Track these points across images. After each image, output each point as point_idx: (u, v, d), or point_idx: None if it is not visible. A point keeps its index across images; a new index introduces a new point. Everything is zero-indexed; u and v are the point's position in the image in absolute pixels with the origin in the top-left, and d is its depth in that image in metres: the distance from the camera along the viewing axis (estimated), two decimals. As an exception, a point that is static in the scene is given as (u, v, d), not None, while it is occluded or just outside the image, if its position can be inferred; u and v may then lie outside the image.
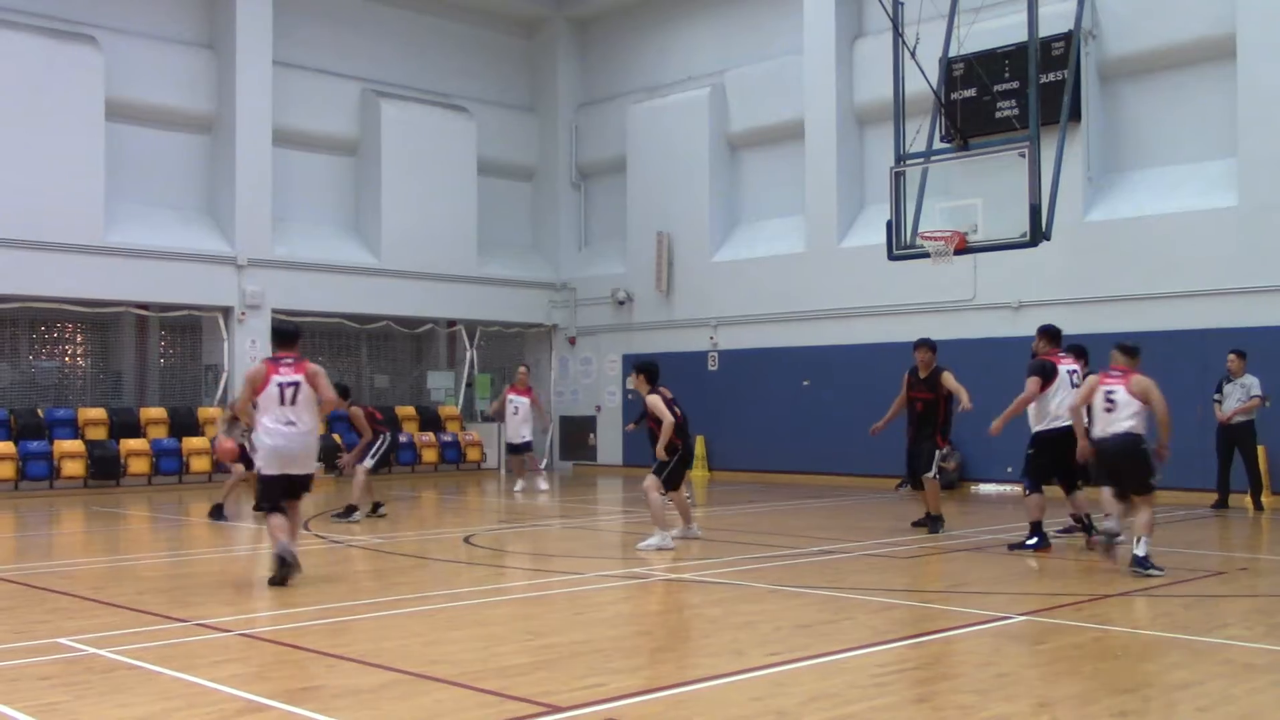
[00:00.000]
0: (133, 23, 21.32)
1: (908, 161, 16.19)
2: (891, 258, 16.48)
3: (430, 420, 24.55)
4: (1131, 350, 10.02)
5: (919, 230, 15.92)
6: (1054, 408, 11.27)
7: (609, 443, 24.46)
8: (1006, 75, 18.15)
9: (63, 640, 7.14)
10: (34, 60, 19.52)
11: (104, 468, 19.68)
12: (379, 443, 15.15)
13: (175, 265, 20.88)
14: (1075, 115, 17.87)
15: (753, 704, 5.66)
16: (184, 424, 21.00)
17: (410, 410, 24.35)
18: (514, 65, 26.69)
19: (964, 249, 15.44)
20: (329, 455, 22.24)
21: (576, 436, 25.67)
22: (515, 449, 19.39)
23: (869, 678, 6.19)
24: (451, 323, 25.20)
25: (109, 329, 22.20)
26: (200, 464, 20.41)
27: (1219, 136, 17.45)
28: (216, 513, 14.71)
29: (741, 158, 23.62)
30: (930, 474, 12.74)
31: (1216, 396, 15.26)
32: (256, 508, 9.56)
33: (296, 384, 9.38)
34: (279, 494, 9.47)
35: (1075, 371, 11.52)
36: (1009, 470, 17.47)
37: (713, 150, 23.38)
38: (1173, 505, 13.14)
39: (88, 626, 7.62)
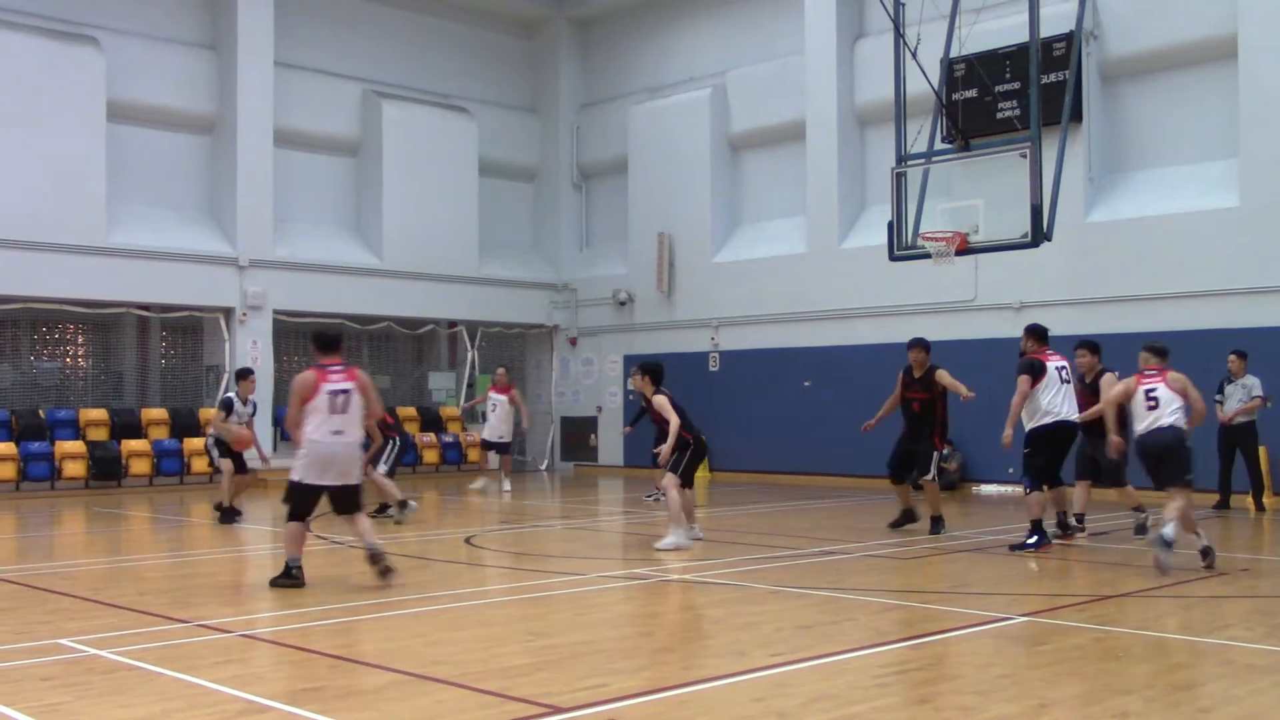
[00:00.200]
0: (134, 23, 21.33)
1: (909, 162, 16.19)
2: (893, 258, 16.47)
3: (431, 421, 24.56)
4: (1162, 350, 10.38)
5: (920, 231, 15.92)
6: (1044, 404, 11.39)
7: (610, 443, 24.45)
8: (1008, 76, 18.15)
9: (64, 641, 7.14)
10: (35, 61, 19.53)
11: (105, 468, 19.69)
12: (389, 447, 15.16)
13: (176, 266, 20.89)
14: (1076, 116, 17.87)
15: (754, 704, 5.65)
16: (185, 425, 21.01)
17: (411, 411, 24.35)
18: (515, 66, 26.70)
19: (965, 249, 15.44)
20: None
21: (578, 437, 25.67)
22: (492, 446, 19.51)
23: (871, 678, 6.18)
24: (453, 323, 25.20)
25: (110, 330, 22.21)
26: (201, 464, 20.38)
27: (1220, 137, 17.45)
28: (228, 516, 14.63)
29: (743, 158, 23.62)
30: (929, 476, 12.72)
31: (1218, 397, 15.24)
32: (289, 517, 9.22)
33: (347, 391, 9.07)
34: (310, 506, 9.22)
35: (1064, 368, 11.65)
36: (1010, 471, 17.46)
37: (714, 151, 23.38)
38: (1160, 505, 13.11)
39: (89, 627, 7.62)
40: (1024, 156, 14.84)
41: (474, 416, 23.95)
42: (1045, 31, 16.14)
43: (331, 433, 8.98)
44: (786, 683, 6.12)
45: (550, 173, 26.64)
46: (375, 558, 9.01)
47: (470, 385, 25.58)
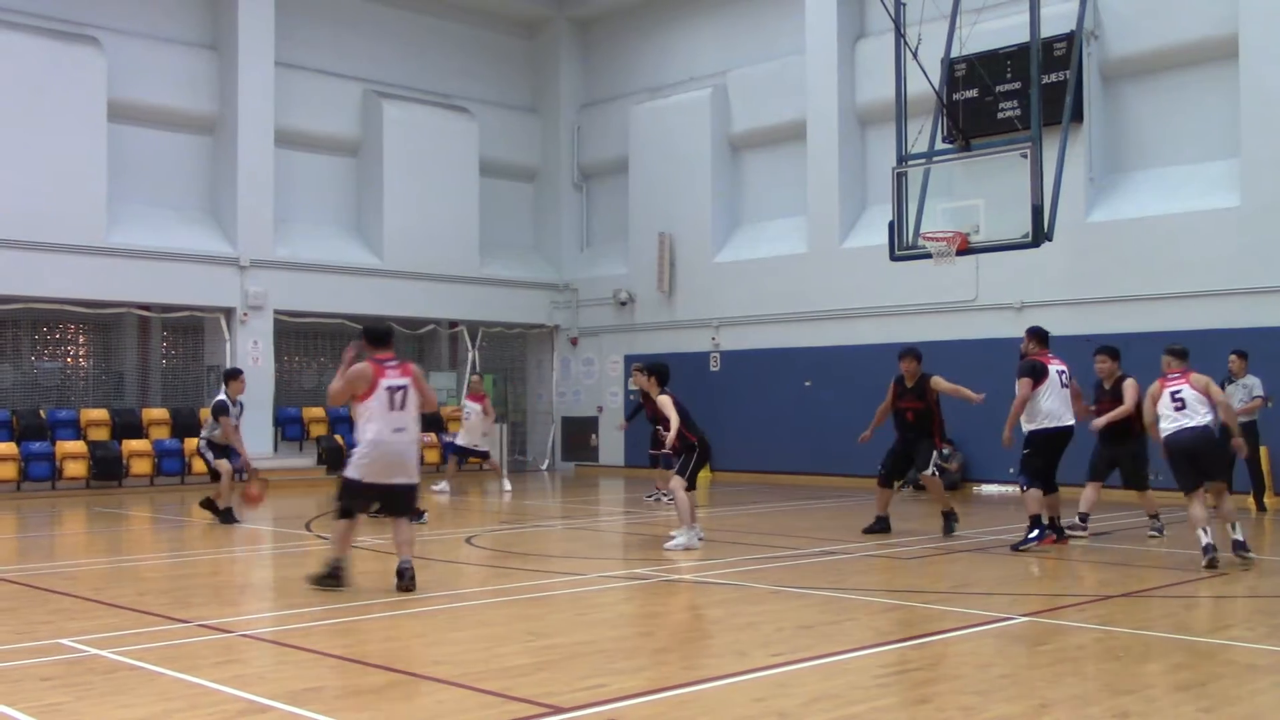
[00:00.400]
0: (135, 24, 21.33)
1: (910, 162, 16.19)
2: (893, 258, 16.48)
3: (432, 421, 24.54)
4: (1183, 353, 10.68)
5: (921, 231, 15.92)
6: (1045, 407, 11.44)
7: (611, 444, 24.45)
8: (1008, 76, 18.15)
9: (65, 641, 7.14)
10: (36, 61, 19.54)
11: (106, 468, 19.69)
12: None
13: (177, 266, 20.89)
14: (1077, 116, 17.87)
15: (755, 705, 5.65)
16: (186, 425, 21.00)
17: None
18: (516, 66, 26.70)
19: (966, 249, 15.44)
20: (333, 457, 22.30)
21: (578, 437, 25.67)
22: (462, 453, 19.27)
23: (871, 679, 6.19)
24: (453, 323, 25.21)
25: (111, 330, 22.21)
26: (202, 464, 20.34)
27: (1221, 137, 17.45)
28: (228, 517, 14.59)
29: (743, 158, 23.62)
30: (929, 472, 12.66)
31: (1219, 397, 15.23)
32: (339, 515, 8.95)
33: (404, 387, 8.81)
34: (365, 504, 8.95)
35: (1064, 372, 11.72)
36: (1011, 471, 17.44)
37: (715, 151, 23.39)
38: (1175, 506, 13.12)
39: (90, 627, 7.62)
40: (1025, 156, 14.85)
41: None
42: (1046, 31, 16.14)
43: (394, 430, 8.71)
44: (787, 683, 6.12)
45: (551, 173, 26.65)
46: (402, 574, 8.78)
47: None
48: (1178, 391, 10.34)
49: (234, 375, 15.11)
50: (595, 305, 25.42)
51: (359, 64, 23.98)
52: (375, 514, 14.47)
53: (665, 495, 17.41)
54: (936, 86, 16.66)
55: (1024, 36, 15.77)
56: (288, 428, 22.59)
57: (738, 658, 6.78)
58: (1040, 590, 9.51)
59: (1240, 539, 10.17)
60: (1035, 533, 11.35)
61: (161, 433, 20.82)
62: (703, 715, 5.57)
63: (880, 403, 13.40)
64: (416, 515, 14.23)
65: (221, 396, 14.71)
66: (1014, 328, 18.32)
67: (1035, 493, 11.45)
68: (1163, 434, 10.44)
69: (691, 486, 11.75)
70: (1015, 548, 11.46)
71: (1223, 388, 15.21)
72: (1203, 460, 10.26)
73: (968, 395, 12.53)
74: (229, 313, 21.65)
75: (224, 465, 14.65)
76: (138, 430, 20.67)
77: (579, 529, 14.57)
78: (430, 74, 24.98)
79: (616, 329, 24.98)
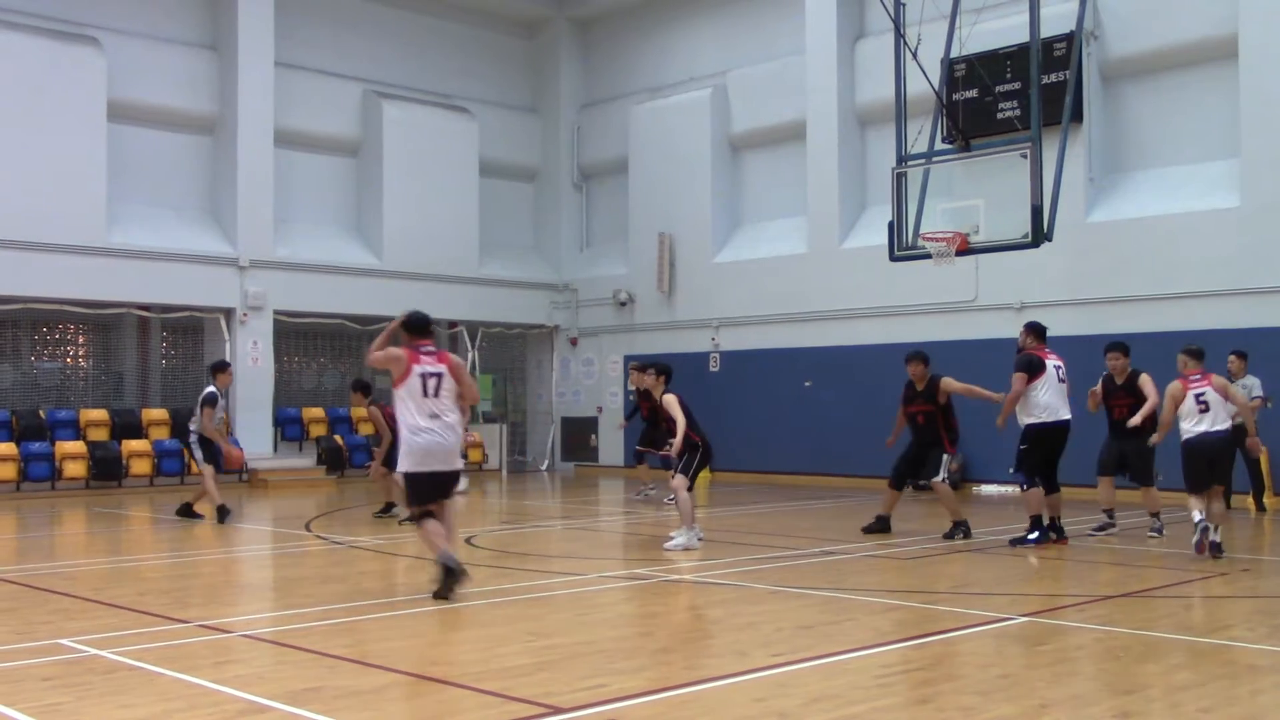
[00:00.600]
0: (135, 24, 21.33)
1: (909, 162, 16.18)
2: (893, 259, 16.46)
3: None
4: (1200, 353, 10.98)
5: (921, 231, 15.90)
6: (1043, 401, 11.53)
7: (610, 444, 24.45)
8: (1008, 76, 18.15)
9: (64, 641, 7.14)
10: (36, 61, 19.54)
11: (106, 469, 19.69)
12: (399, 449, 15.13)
13: (177, 266, 20.89)
14: (1077, 116, 17.87)
15: (755, 705, 5.66)
16: (186, 425, 20.91)
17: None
18: (516, 66, 26.70)
19: (966, 250, 15.42)
20: (332, 457, 22.31)
21: (578, 438, 25.67)
22: None
23: (871, 679, 6.18)
24: (453, 324, 25.19)
25: (111, 330, 22.21)
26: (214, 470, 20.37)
27: (1221, 137, 17.45)
28: (222, 513, 14.58)
29: (743, 158, 23.62)
30: (939, 478, 12.58)
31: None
32: (409, 518, 8.72)
33: (439, 375, 8.70)
34: (430, 494, 8.74)
35: (1060, 367, 11.82)
36: (1010, 471, 17.43)
37: (714, 151, 23.39)
38: (1175, 506, 13.14)
39: (89, 627, 7.62)
40: (1024, 157, 14.83)
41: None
42: (1046, 32, 16.13)
43: (429, 417, 8.60)
44: (787, 683, 6.12)
45: (551, 173, 26.64)
46: (449, 572, 8.49)
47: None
48: (1202, 394, 10.60)
49: (223, 367, 15.17)
50: (595, 305, 25.42)
51: (359, 64, 23.97)
52: (379, 514, 14.69)
53: (651, 489, 17.46)
54: (936, 87, 16.64)
55: (1024, 36, 15.76)
56: (287, 428, 22.59)
57: (738, 658, 6.78)
58: (1040, 590, 9.51)
59: (1218, 540, 10.53)
60: (1035, 534, 11.40)
61: (161, 433, 20.82)
62: (703, 715, 5.57)
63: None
64: (386, 507, 14.37)
65: (211, 388, 14.71)
66: (1014, 328, 18.27)
67: (1036, 492, 11.49)
68: (1184, 435, 10.65)
69: (690, 487, 11.74)
70: (1013, 543, 11.50)
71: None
72: (1219, 465, 10.63)
73: (983, 394, 12.47)
74: (229, 313, 21.65)
75: (208, 469, 14.63)
76: (137, 430, 20.67)
77: (579, 529, 14.57)
78: (430, 74, 24.97)
79: (616, 329, 24.97)
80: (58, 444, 19.63)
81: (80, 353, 22.27)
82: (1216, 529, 10.59)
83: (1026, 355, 11.71)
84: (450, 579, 8.49)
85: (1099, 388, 12.57)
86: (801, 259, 21.79)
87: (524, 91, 26.84)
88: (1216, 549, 10.49)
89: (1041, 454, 11.62)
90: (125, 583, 10.18)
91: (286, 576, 10.91)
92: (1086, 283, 18.14)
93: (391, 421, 14.98)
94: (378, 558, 11.63)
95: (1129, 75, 18.46)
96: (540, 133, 26.76)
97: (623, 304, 24.70)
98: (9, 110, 19.21)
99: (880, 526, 12.89)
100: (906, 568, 10.61)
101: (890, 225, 16.26)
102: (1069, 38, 17.40)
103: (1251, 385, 14.96)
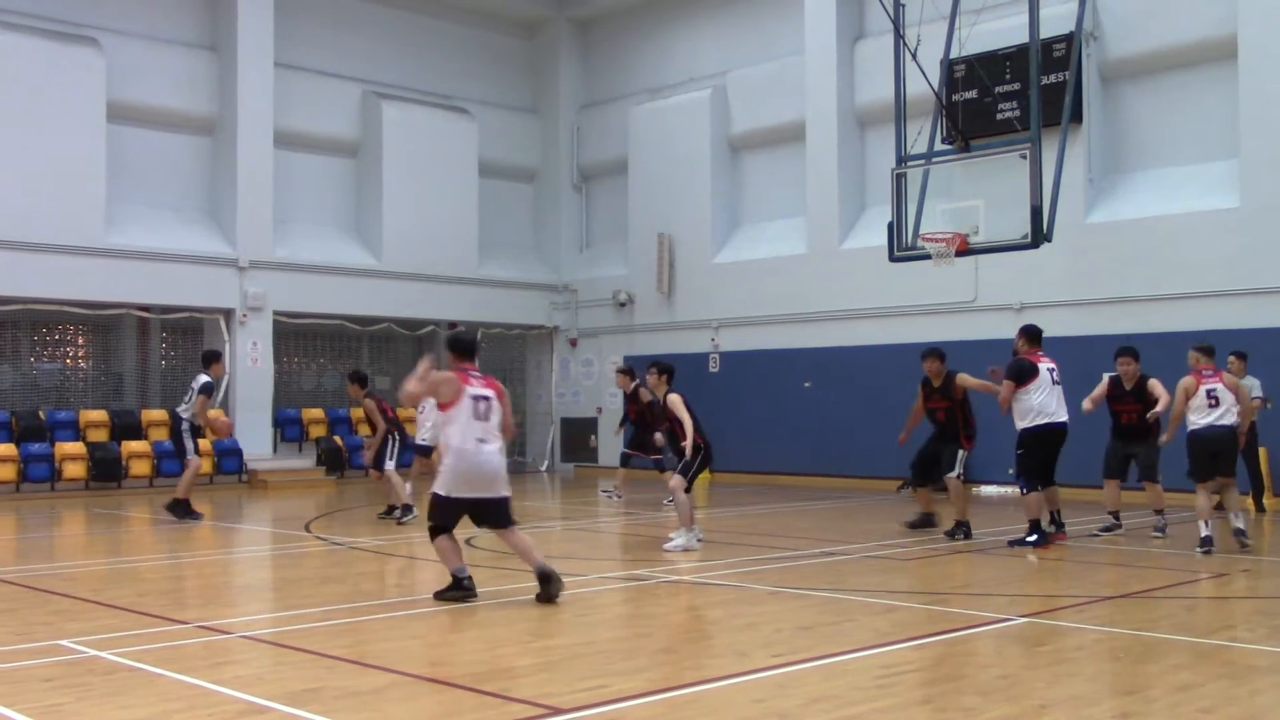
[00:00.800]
0: (134, 25, 21.33)
1: (909, 163, 16.19)
2: (893, 259, 16.47)
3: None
4: (1212, 350, 11.46)
5: (920, 232, 15.92)
6: (1037, 404, 11.60)
7: (610, 445, 24.43)
8: (1008, 77, 18.15)
9: (64, 642, 7.13)
10: (36, 62, 19.54)
11: (105, 470, 19.68)
12: (391, 444, 15.21)
13: (176, 267, 20.89)
14: (1076, 116, 17.88)
15: (755, 705, 5.65)
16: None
17: (412, 412, 24.26)
18: (515, 67, 26.71)
19: (965, 250, 15.44)
20: (332, 458, 22.30)
21: (577, 438, 25.67)
22: (421, 450, 17.83)
23: (872, 679, 6.18)
24: (453, 324, 25.16)
25: (110, 331, 22.20)
26: (204, 466, 20.36)
27: (1220, 138, 17.45)
28: (182, 510, 14.51)
29: (743, 159, 23.62)
30: (954, 474, 12.48)
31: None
32: (432, 535, 8.60)
33: (489, 399, 8.54)
34: (454, 518, 8.58)
35: (1054, 369, 11.86)
36: (1010, 472, 17.43)
37: (714, 151, 23.39)
38: (1175, 506, 13.15)
39: (89, 628, 7.62)
40: (1024, 157, 14.84)
41: None
42: (1045, 32, 16.14)
43: (477, 440, 8.40)
44: (787, 684, 6.12)
45: (550, 173, 26.65)
46: (546, 578, 8.41)
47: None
48: (1213, 389, 11.08)
49: (217, 357, 15.33)
50: (594, 306, 25.42)
51: (358, 65, 23.98)
52: (381, 516, 14.67)
53: (619, 493, 17.41)
54: (936, 87, 16.65)
55: (1023, 37, 15.77)
56: (287, 429, 22.59)
57: (738, 659, 6.78)
58: (1040, 591, 9.51)
59: (1241, 527, 11.08)
60: (1034, 537, 11.43)
61: (161, 434, 20.77)
62: (703, 716, 5.56)
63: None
64: (406, 510, 14.35)
65: (208, 378, 14.76)
66: (1013, 328, 18.18)
67: (1036, 496, 11.56)
68: (1191, 426, 11.04)
69: (688, 488, 11.73)
70: (1011, 544, 11.54)
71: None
72: (1223, 457, 11.09)
73: (989, 386, 12.48)
74: (228, 314, 21.65)
75: (196, 462, 14.67)
76: (137, 431, 20.66)
77: (578, 530, 14.56)
78: (430, 75, 24.98)
79: (616, 330, 24.97)
80: (57, 445, 19.62)
81: (80, 353, 22.27)
82: (1238, 515, 11.19)
83: (1016, 361, 11.79)
84: (456, 591, 8.48)
85: (1103, 390, 12.58)
86: (801, 259, 21.79)
87: (524, 92, 26.85)
88: (1240, 535, 11.01)
89: (1038, 457, 11.67)
90: (125, 584, 10.17)
91: (286, 577, 10.91)
92: (1086, 283, 18.14)
93: (384, 416, 15.08)
94: (377, 559, 11.63)
95: (1128, 76, 18.46)
96: (540, 133, 26.76)
97: (622, 305, 24.70)
98: (9, 110, 19.21)
99: (925, 523, 12.93)
100: (906, 568, 10.61)
101: (890, 226, 16.27)
102: (1068, 38, 17.41)
103: (1251, 386, 14.95)
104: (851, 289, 20.81)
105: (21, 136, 19.29)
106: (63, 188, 19.63)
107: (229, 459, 20.89)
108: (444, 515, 8.57)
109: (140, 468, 20.06)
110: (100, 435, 20.36)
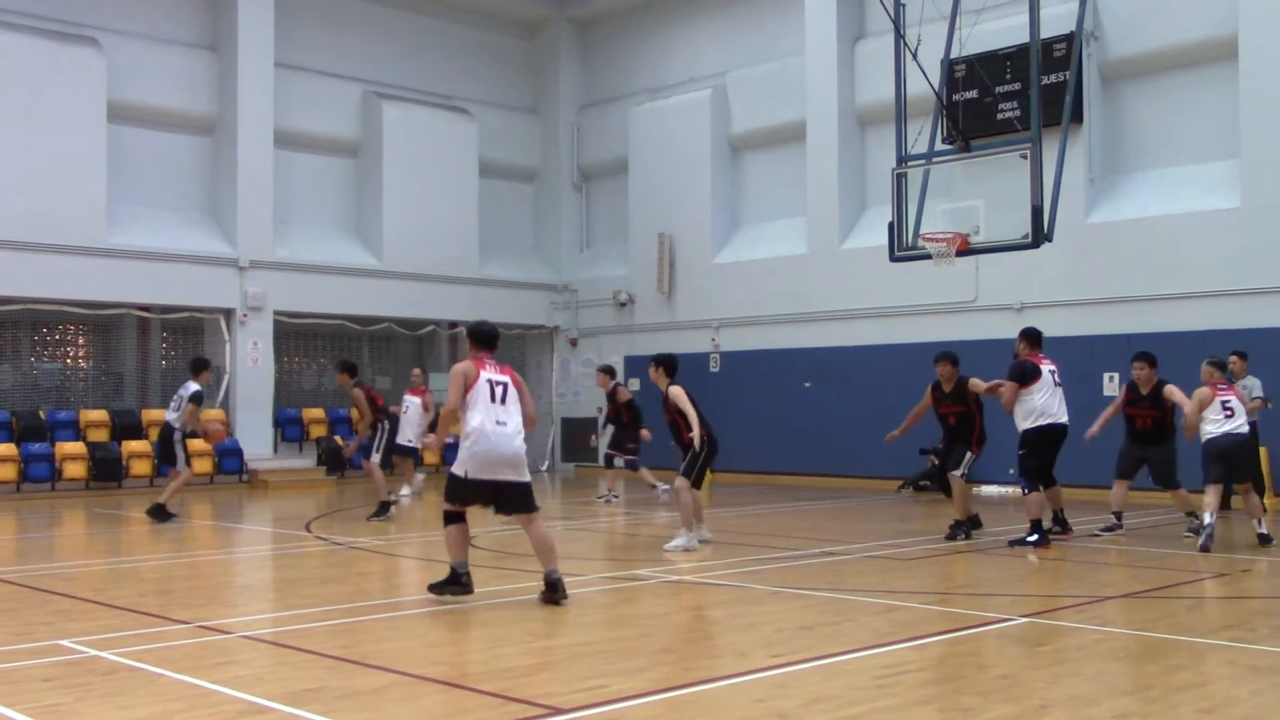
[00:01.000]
0: (134, 25, 21.34)
1: (909, 163, 16.19)
2: (893, 259, 16.47)
3: (432, 422, 24.51)
4: (1224, 364, 12.18)
5: (921, 232, 15.92)
6: (1040, 405, 11.69)
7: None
8: (1008, 77, 18.15)
9: (64, 642, 7.13)
10: (36, 62, 19.54)
11: (106, 469, 19.69)
12: (379, 434, 15.26)
13: (177, 267, 20.90)
14: (1077, 116, 17.88)
15: (755, 706, 5.65)
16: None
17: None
18: (515, 67, 26.71)
19: (966, 250, 15.44)
20: (332, 458, 22.31)
21: (578, 438, 25.66)
22: (403, 451, 17.42)
23: (871, 679, 6.18)
24: (453, 324, 25.21)
25: (110, 331, 22.21)
26: (202, 465, 20.37)
27: (1221, 138, 17.45)
28: (159, 513, 14.54)
29: (743, 159, 23.62)
30: (958, 472, 12.45)
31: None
32: (445, 520, 8.57)
33: (505, 384, 8.52)
34: (470, 501, 8.51)
35: (1054, 371, 11.97)
36: (1010, 472, 17.43)
37: (714, 151, 23.39)
38: (1171, 507, 13.15)
39: (89, 628, 7.62)
40: (1024, 157, 14.84)
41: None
42: (1046, 32, 16.14)
43: (496, 423, 8.33)
44: (787, 684, 6.12)
45: (550, 173, 26.65)
46: (552, 587, 8.34)
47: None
48: (1228, 401, 11.60)
49: (206, 365, 15.46)
50: (595, 306, 25.42)
51: (358, 65, 23.98)
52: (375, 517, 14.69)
53: (614, 495, 17.48)
54: (936, 87, 16.65)
55: (1024, 37, 15.77)
56: (287, 429, 22.60)
57: (738, 659, 6.78)
58: (1040, 591, 9.51)
59: (1265, 533, 11.47)
60: (1034, 536, 11.46)
61: (161, 434, 20.80)
62: (703, 716, 5.56)
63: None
64: (384, 506, 14.42)
65: (197, 386, 14.81)
66: (1014, 328, 18.21)
67: (1038, 497, 11.65)
68: (1206, 436, 11.44)
69: (696, 486, 11.67)
70: (1012, 544, 11.56)
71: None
72: (1239, 464, 11.59)
73: (994, 388, 12.45)
74: (228, 314, 21.66)
75: (187, 473, 14.74)
76: (137, 431, 20.66)
77: (579, 530, 14.56)
78: (430, 75, 24.98)
79: (616, 330, 24.97)
80: (58, 445, 19.63)
81: (80, 353, 22.27)
82: (1261, 521, 11.63)
83: (1019, 363, 11.86)
84: (452, 585, 8.42)
85: (1120, 401, 12.65)
86: (801, 259, 21.79)
87: (524, 92, 26.85)
88: (1265, 540, 11.40)
89: (1040, 457, 11.78)
90: (125, 583, 10.18)
91: (286, 577, 10.91)
92: (1086, 283, 18.14)
93: (372, 406, 15.13)
94: (377, 558, 11.63)
95: (1129, 76, 18.46)
96: (540, 133, 26.76)
97: (622, 305, 24.70)
98: (9, 110, 19.22)
99: (971, 525, 12.71)
100: (906, 568, 10.61)
101: (890, 226, 16.27)
102: (1069, 38, 17.40)
103: (1252, 386, 14.96)
104: (851, 289, 20.80)
105: (21, 136, 19.30)
106: (63, 188, 19.64)
107: (229, 459, 20.90)
108: (460, 497, 8.46)
109: (140, 468, 20.06)
110: (100, 435, 20.37)
